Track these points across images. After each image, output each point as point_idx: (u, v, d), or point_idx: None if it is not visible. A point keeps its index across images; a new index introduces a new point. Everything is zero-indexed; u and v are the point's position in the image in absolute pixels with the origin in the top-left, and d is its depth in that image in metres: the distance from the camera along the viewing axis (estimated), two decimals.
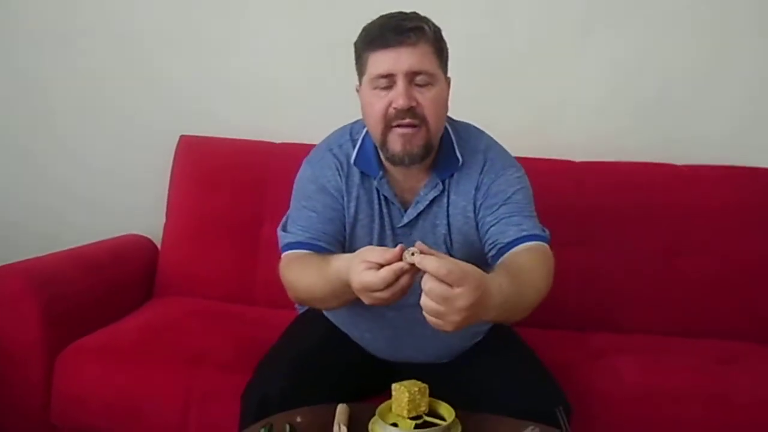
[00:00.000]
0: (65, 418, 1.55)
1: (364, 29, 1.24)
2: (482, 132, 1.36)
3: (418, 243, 0.99)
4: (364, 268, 1.00)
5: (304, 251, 1.25)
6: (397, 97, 1.18)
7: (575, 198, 1.84)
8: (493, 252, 1.24)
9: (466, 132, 1.34)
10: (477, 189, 1.28)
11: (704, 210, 1.83)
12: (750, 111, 1.99)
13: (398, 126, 1.20)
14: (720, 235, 1.82)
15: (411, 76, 1.19)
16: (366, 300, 1.03)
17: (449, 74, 1.28)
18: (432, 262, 0.93)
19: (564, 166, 1.90)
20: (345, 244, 1.31)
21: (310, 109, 2.07)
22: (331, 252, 1.24)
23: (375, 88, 1.21)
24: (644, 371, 1.53)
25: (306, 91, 2.11)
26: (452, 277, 0.92)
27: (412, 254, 0.96)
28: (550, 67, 2.04)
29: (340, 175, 1.30)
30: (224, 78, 2.16)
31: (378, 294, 1.00)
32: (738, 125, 1.99)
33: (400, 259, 0.98)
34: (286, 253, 1.28)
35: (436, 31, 1.22)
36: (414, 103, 1.19)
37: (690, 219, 1.83)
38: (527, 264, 1.15)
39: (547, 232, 1.25)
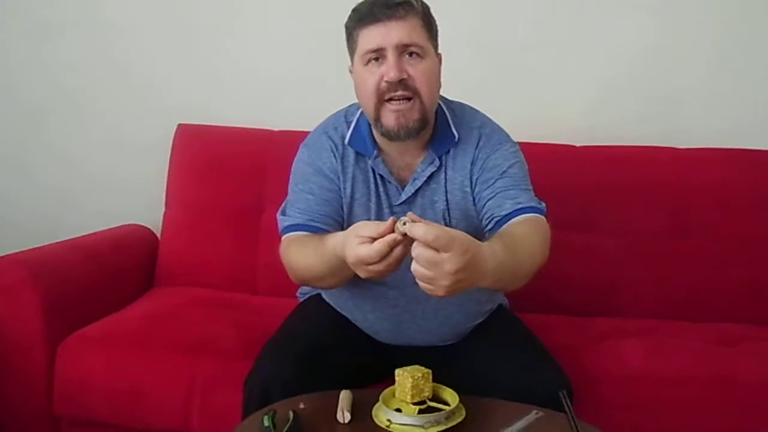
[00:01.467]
0: (67, 408, 1.55)
1: (354, 9, 1.25)
2: (476, 110, 1.37)
3: (410, 213, 1.00)
4: (359, 243, 1.02)
5: (303, 233, 1.27)
6: (389, 70, 1.19)
7: (576, 182, 1.83)
8: (489, 225, 1.25)
9: (461, 109, 1.35)
10: (473, 163, 1.30)
11: (706, 192, 1.83)
12: (752, 98, 1.99)
13: (391, 100, 1.21)
14: (722, 218, 1.81)
15: (401, 49, 1.20)
16: (362, 274, 1.04)
17: (440, 51, 1.28)
18: (419, 228, 0.94)
19: (565, 150, 1.89)
20: (343, 224, 1.32)
21: (307, 97, 2.06)
22: (328, 233, 1.25)
23: (366, 63, 1.22)
24: (647, 353, 1.53)
25: (303, 79, 2.10)
26: (439, 242, 0.93)
27: (404, 224, 0.97)
28: (551, 55, 2.03)
29: (335, 156, 1.32)
30: (220, 67, 2.15)
31: (373, 267, 1.01)
32: (739, 113, 1.98)
33: (393, 230, 0.99)
34: (285, 236, 1.30)
35: (425, 7, 1.24)
36: (405, 75, 1.20)
37: (691, 201, 1.83)
38: (522, 232, 1.17)
39: (543, 204, 1.26)
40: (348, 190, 1.32)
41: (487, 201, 1.26)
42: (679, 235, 1.82)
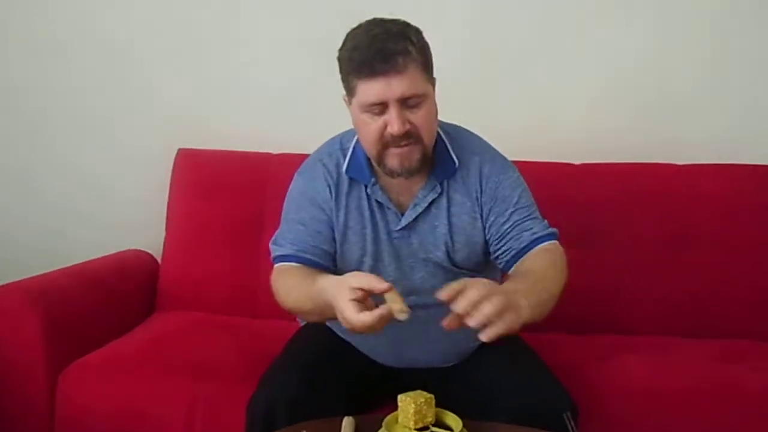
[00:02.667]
0: None
1: (348, 46, 1.21)
2: (471, 132, 1.39)
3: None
4: (350, 298, 1.04)
5: (293, 264, 1.29)
6: (392, 123, 1.20)
7: (576, 200, 1.83)
8: (506, 257, 1.30)
9: (457, 133, 1.36)
10: (482, 192, 1.32)
11: (707, 206, 1.82)
12: (749, 110, 1.99)
13: (395, 147, 1.22)
14: (723, 232, 1.81)
15: (402, 101, 1.19)
16: (344, 325, 1.07)
17: (434, 75, 1.27)
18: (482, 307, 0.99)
19: (563, 168, 1.89)
20: (335, 254, 1.33)
21: (307, 118, 2.06)
22: (318, 264, 1.29)
23: (367, 112, 1.22)
24: (651, 370, 1.53)
25: (303, 101, 2.10)
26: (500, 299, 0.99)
27: (401, 311, 1.01)
28: (547, 68, 2.04)
29: (329, 185, 1.33)
30: (221, 89, 2.16)
31: (360, 327, 1.04)
32: (737, 124, 1.99)
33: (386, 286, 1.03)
34: (277, 265, 1.31)
35: (420, 44, 1.21)
36: (408, 127, 1.21)
37: (693, 216, 1.82)
38: (543, 267, 1.22)
39: (555, 230, 1.31)
40: (342, 219, 1.32)
41: (506, 234, 1.29)
42: (681, 249, 1.82)
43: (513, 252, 1.28)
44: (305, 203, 1.33)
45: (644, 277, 1.81)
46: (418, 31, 1.23)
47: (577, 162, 1.90)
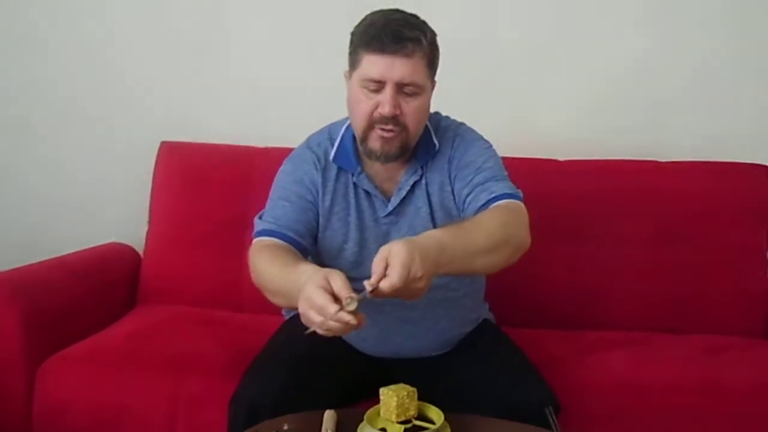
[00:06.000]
0: (47, 431, 1.52)
1: (366, 21, 1.25)
2: (451, 118, 1.42)
3: (366, 282, 1.01)
4: (321, 285, 1.00)
5: (274, 239, 1.28)
6: (384, 104, 1.23)
7: (560, 196, 1.84)
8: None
9: (437, 119, 1.40)
10: (449, 162, 1.34)
11: (689, 205, 1.84)
12: (733, 108, 2.01)
13: (381, 129, 1.25)
14: (706, 229, 1.82)
15: (400, 86, 1.22)
16: (300, 308, 1.03)
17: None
18: (385, 285, 1.00)
19: (548, 165, 1.90)
20: (317, 235, 1.35)
21: (292, 112, 2.06)
22: (298, 243, 1.29)
23: (364, 87, 1.24)
24: (633, 365, 1.54)
25: (287, 94, 2.10)
26: (401, 276, 0.99)
27: (348, 303, 0.99)
28: (533, 68, 2.05)
29: (317, 169, 1.35)
30: (205, 82, 2.15)
31: (311, 314, 1.01)
32: (725, 125, 2.01)
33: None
34: (257, 239, 1.31)
35: (432, 42, 1.26)
36: (398, 112, 1.24)
37: (676, 213, 1.83)
38: (479, 216, 1.22)
39: (519, 191, 1.29)
40: (327, 203, 1.35)
41: (466, 197, 1.30)
42: (663, 245, 1.83)
43: (472, 213, 1.27)
44: (292, 183, 1.35)
45: (627, 273, 1.82)
46: (433, 32, 1.27)
47: (561, 158, 1.91)
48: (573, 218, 1.84)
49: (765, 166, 1.85)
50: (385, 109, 1.22)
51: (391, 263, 1.00)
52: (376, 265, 1.01)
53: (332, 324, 0.99)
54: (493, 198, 1.25)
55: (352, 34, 1.27)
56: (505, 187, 1.28)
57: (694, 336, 1.73)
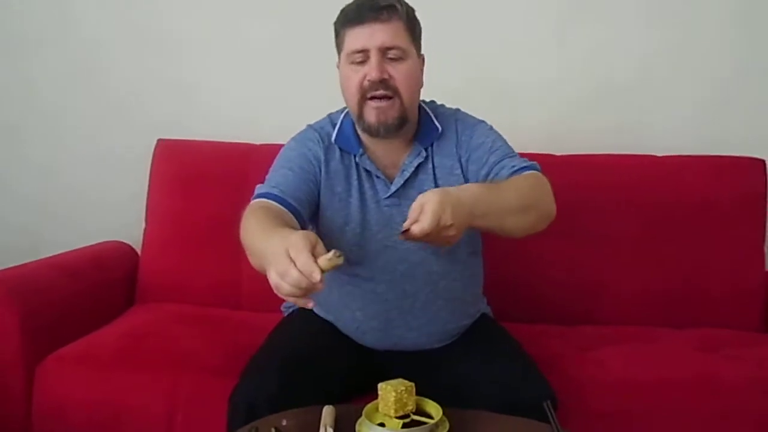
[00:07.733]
0: (46, 430, 1.52)
1: (343, 10, 1.32)
2: (444, 105, 1.46)
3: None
4: (308, 239, 0.98)
5: (271, 202, 1.27)
6: (371, 71, 1.27)
7: (556, 191, 1.82)
8: None
9: (434, 105, 1.44)
10: (458, 146, 1.37)
11: (686, 199, 1.84)
12: (736, 108, 2.02)
13: (373, 98, 1.29)
14: (703, 224, 1.82)
15: (384, 51, 1.28)
16: (276, 248, 0.99)
17: (423, 52, 1.35)
18: (418, 229, 1.07)
19: (544, 159, 1.89)
20: (317, 209, 1.36)
21: (286, 110, 2.05)
22: (296, 210, 1.27)
23: (351, 63, 1.30)
24: (630, 360, 1.54)
25: (281, 93, 2.11)
26: (432, 220, 1.06)
27: (338, 256, 0.98)
28: (525, 63, 2.05)
29: (320, 147, 1.38)
30: (198, 82, 2.15)
31: (282, 258, 0.97)
32: (710, 115, 2.03)
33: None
34: (254, 200, 1.29)
35: (409, 10, 1.31)
36: (386, 76, 1.28)
37: (673, 208, 1.83)
38: (509, 179, 1.27)
39: (536, 163, 1.33)
40: (329, 182, 1.36)
41: (486, 176, 1.33)
42: (660, 239, 1.83)
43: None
44: (296, 156, 1.37)
45: (624, 267, 1.83)
46: (410, 7, 1.32)
47: (557, 153, 1.91)
48: (570, 213, 1.82)
49: (762, 160, 1.85)
50: (372, 74, 1.27)
51: (424, 210, 1.08)
52: (413, 211, 1.09)
53: (294, 274, 0.95)
54: (515, 170, 1.29)
55: (334, 24, 1.33)
56: (522, 161, 1.32)
57: (692, 330, 1.74)
